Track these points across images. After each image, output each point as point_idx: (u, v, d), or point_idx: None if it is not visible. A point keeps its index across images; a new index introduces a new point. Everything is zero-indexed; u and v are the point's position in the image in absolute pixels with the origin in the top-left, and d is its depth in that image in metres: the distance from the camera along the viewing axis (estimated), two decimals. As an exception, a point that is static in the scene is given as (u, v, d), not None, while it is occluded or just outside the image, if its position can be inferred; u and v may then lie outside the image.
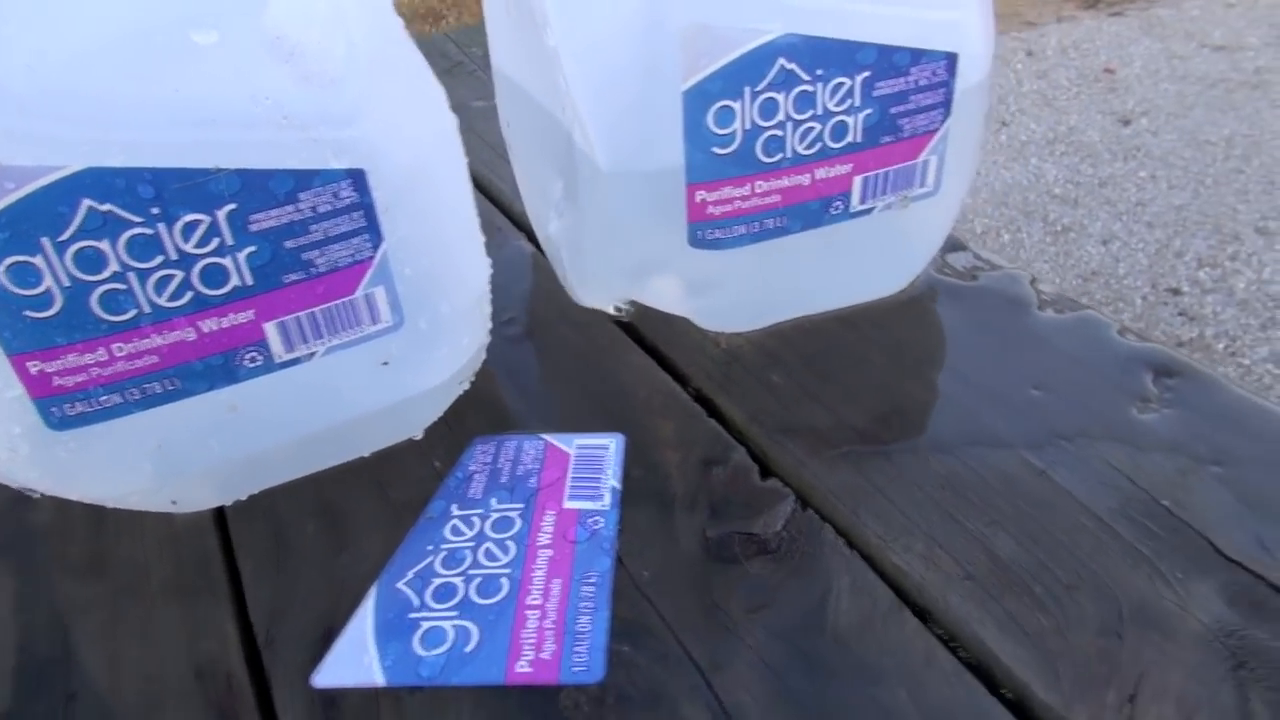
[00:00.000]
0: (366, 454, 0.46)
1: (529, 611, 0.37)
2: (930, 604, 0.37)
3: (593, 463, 0.45)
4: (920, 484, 0.43)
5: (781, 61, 0.42)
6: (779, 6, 0.41)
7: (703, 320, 0.53)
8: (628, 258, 0.49)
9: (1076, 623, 0.36)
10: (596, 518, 0.42)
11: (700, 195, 0.45)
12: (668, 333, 0.54)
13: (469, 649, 0.36)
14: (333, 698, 0.35)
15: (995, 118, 2.25)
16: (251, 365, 0.38)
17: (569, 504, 0.42)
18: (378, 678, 0.36)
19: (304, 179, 0.35)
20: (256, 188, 0.34)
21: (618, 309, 0.54)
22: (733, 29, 0.40)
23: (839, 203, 0.47)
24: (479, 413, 0.49)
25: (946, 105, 0.46)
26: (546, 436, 0.47)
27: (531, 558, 0.40)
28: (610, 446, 0.46)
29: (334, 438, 0.44)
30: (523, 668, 0.35)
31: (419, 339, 0.42)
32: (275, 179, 0.34)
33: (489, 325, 0.47)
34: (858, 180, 0.46)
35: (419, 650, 0.36)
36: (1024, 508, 0.41)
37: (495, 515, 0.42)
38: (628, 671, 0.35)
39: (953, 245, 0.59)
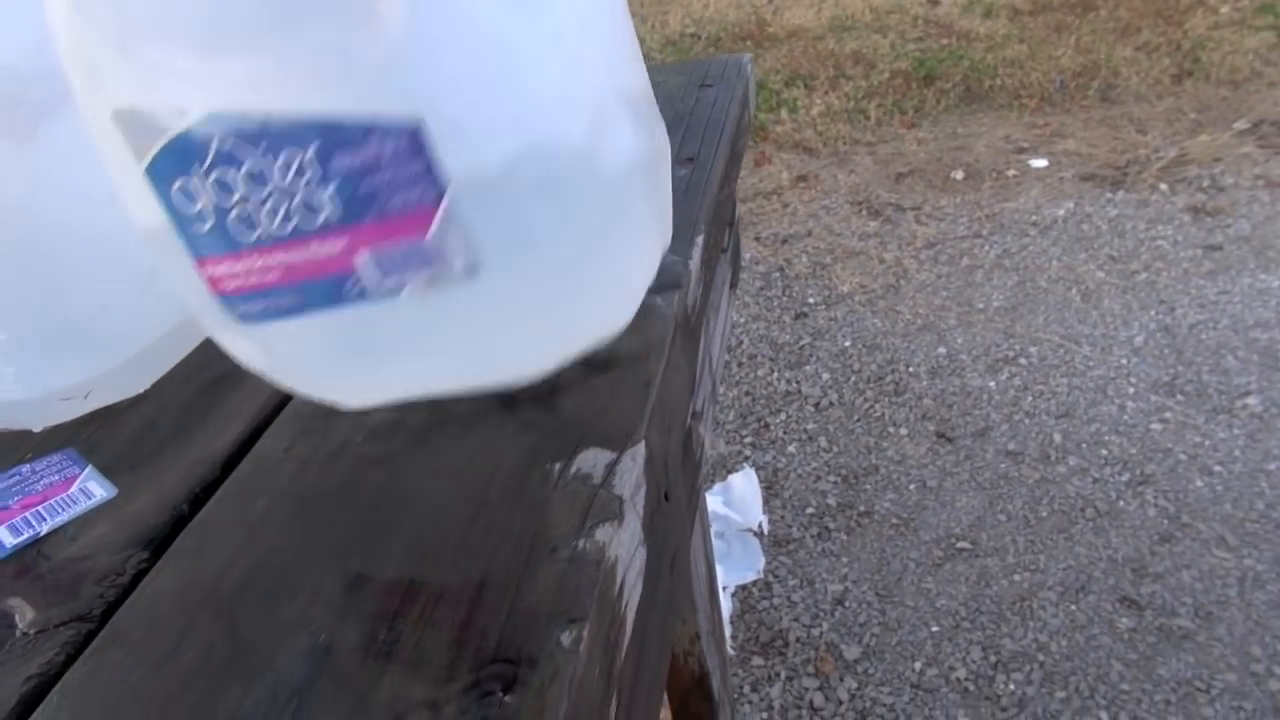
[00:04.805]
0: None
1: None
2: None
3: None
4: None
5: (217, 140, 0.40)
6: (204, 86, 0.39)
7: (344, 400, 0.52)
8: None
9: None
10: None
11: (209, 271, 0.45)
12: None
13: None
14: None
15: None
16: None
17: None
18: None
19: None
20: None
21: None
22: (159, 110, 0.40)
23: (351, 282, 0.44)
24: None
25: (434, 180, 0.40)
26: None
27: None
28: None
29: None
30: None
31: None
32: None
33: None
34: (360, 260, 0.43)
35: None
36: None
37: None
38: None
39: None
